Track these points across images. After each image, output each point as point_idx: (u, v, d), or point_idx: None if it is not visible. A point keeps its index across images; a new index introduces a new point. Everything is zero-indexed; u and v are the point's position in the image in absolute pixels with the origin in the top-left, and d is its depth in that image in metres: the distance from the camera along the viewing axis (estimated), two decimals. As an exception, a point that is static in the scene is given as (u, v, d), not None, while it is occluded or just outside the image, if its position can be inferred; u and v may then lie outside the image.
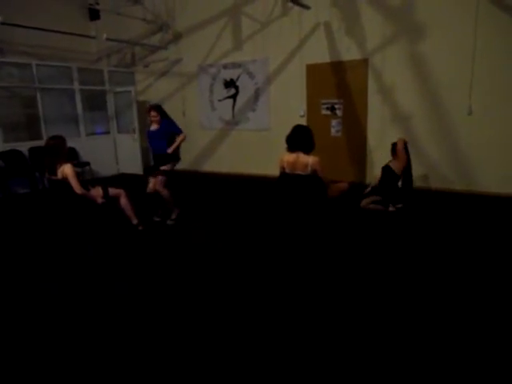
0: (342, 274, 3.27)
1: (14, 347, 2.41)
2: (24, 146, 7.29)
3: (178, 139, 4.80)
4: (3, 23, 6.02)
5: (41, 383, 2.09)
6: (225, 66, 8.00)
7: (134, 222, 4.42)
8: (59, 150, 3.83)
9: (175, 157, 4.86)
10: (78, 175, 3.96)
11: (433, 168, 6.15)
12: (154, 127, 4.78)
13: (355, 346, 2.29)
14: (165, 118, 4.80)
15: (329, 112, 6.97)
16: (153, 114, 4.74)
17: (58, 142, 3.87)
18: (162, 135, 4.72)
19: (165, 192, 4.77)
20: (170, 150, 4.69)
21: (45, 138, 7.34)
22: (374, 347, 2.28)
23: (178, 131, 4.84)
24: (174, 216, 4.93)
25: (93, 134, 8.67)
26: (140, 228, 4.43)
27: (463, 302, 2.74)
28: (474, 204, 5.31)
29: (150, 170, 5.20)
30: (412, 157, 4.92)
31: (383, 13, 6.15)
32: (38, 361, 2.26)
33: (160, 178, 4.73)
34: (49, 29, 7.01)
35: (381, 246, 3.87)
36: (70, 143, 4.04)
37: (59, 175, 3.87)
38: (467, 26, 5.54)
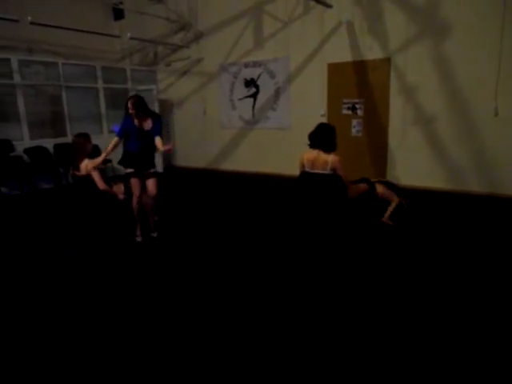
0: (351, 276, 3.24)
1: (14, 346, 2.41)
2: (49, 143, 7.48)
3: (160, 143, 4.26)
4: (32, 23, 6.20)
5: (41, 383, 2.10)
6: (246, 65, 8.02)
7: (155, 218, 4.50)
8: (84, 147, 3.92)
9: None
10: (101, 172, 4.05)
11: (456, 170, 6.00)
12: (146, 127, 4.20)
13: (356, 347, 2.28)
14: (156, 118, 4.28)
15: (350, 112, 6.91)
16: (130, 106, 4.08)
17: (83, 139, 3.97)
18: (154, 136, 4.23)
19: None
20: (166, 148, 4.22)
21: (69, 135, 7.55)
22: (376, 348, 2.26)
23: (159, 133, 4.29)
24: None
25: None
26: (161, 225, 4.50)
27: (478, 306, 2.68)
28: (499, 207, 5.17)
29: (137, 173, 4.42)
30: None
31: (407, 11, 6.05)
32: (39, 360, 2.27)
33: (153, 180, 4.43)
34: (75, 28, 7.18)
35: (398, 248, 3.82)
36: (93, 140, 4.12)
37: (83, 171, 3.96)
38: (494, 25, 5.39)
